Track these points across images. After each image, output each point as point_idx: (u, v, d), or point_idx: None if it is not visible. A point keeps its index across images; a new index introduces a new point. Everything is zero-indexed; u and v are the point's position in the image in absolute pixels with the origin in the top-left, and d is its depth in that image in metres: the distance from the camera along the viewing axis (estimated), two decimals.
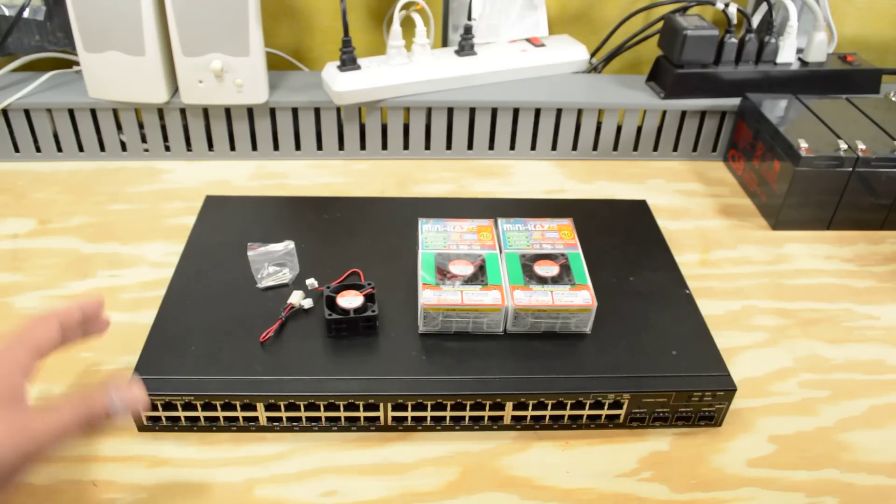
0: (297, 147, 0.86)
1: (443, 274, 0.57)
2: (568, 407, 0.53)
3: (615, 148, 0.88)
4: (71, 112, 0.81)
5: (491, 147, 0.87)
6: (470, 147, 0.87)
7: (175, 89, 0.81)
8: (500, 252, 0.60)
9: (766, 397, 0.57)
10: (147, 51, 0.76)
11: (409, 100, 0.83)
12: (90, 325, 0.49)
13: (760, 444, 0.54)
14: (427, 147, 0.87)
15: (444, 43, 0.92)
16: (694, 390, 0.53)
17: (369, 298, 0.56)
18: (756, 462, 0.52)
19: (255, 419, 0.52)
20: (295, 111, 0.83)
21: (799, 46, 0.87)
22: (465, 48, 0.86)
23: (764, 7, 0.87)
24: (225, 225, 0.68)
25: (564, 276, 0.58)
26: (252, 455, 0.52)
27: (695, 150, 0.89)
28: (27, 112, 0.81)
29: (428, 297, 0.55)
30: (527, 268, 0.59)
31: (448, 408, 0.52)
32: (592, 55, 0.93)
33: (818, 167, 0.73)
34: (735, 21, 0.84)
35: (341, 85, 0.80)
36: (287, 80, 0.86)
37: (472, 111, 0.84)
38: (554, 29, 0.95)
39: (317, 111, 0.83)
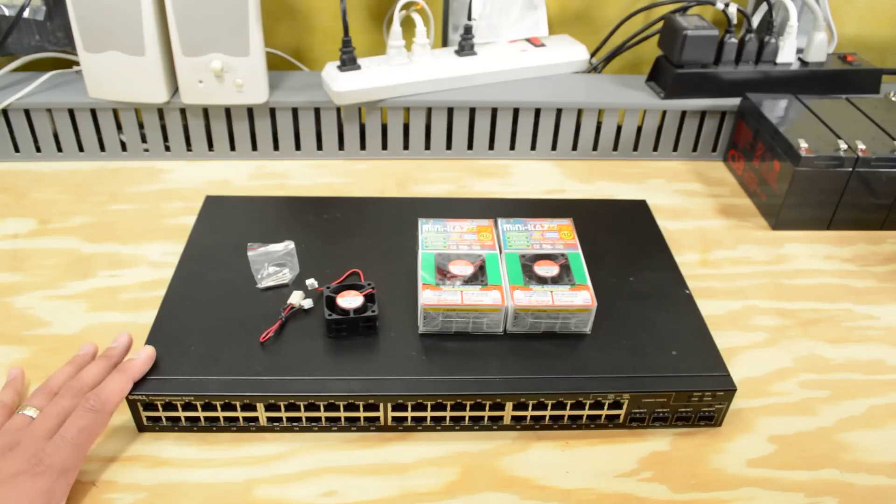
0: (297, 147, 0.86)
1: (443, 274, 0.57)
2: (568, 407, 0.53)
3: (615, 148, 0.88)
4: (71, 112, 0.81)
5: (491, 147, 0.87)
6: (470, 147, 0.87)
7: (175, 89, 0.81)
8: (500, 252, 0.60)
9: (766, 397, 0.57)
10: (147, 51, 0.76)
11: (409, 100, 0.83)
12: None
13: (760, 444, 0.54)
14: (427, 147, 0.87)
15: (444, 43, 0.92)
16: (694, 390, 0.53)
17: (369, 298, 0.56)
18: (756, 462, 0.52)
19: (255, 419, 0.52)
20: (295, 111, 0.83)
21: (799, 46, 0.87)
22: (465, 48, 0.86)
23: (764, 7, 0.87)
24: (225, 225, 0.68)
25: (564, 276, 0.58)
26: (252, 455, 0.52)
27: (695, 150, 0.89)
28: (27, 112, 0.81)
29: (428, 297, 0.55)
30: (527, 268, 0.59)
31: (448, 408, 0.52)
32: (592, 55, 0.93)
33: (818, 167, 0.73)
34: (735, 21, 0.84)
35: (341, 85, 0.80)
36: (287, 80, 0.86)
37: (472, 111, 0.84)
38: (554, 29, 0.95)
39: (317, 111, 0.83)
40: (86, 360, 0.53)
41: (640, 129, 0.87)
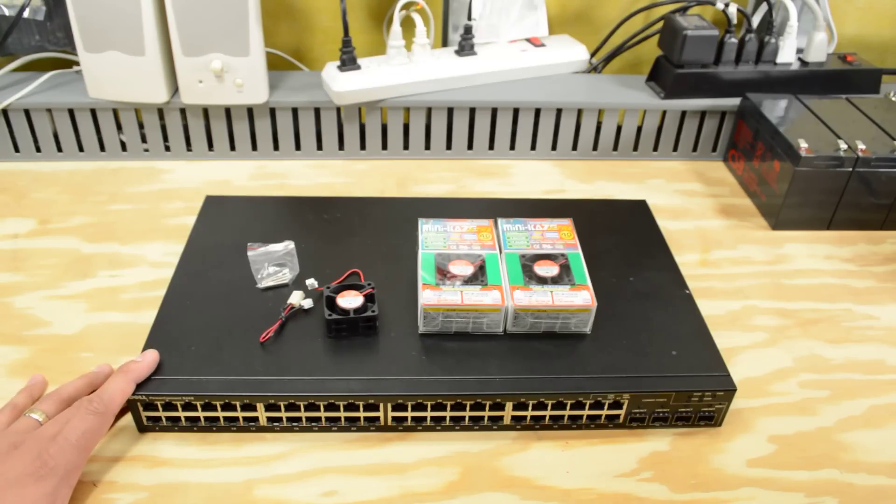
0: (297, 147, 0.86)
1: (443, 274, 0.57)
2: (568, 407, 0.53)
3: (615, 148, 0.88)
4: (71, 112, 0.81)
5: (491, 147, 0.87)
6: (470, 147, 0.87)
7: (175, 89, 0.81)
8: (500, 252, 0.60)
9: (766, 397, 0.57)
10: (147, 51, 0.76)
11: (409, 100, 0.83)
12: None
13: (760, 444, 0.54)
14: (427, 147, 0.87)
15: (444, 43, 0.92)
16: (694, 390, 0.53)
17: (369, 298, 0.56)
18: (756, 462, 0.52)
19: (255, 419, 0.52)
20: (295, 111, 0.83)
21: (799, 46, 0.87)
22: (465, 48, 0.86)
23: (764, 7, 0.87)
24: (225, 225, 0.68)
25: (564, 276, 0.58)
26: (252, 455, 0.52)
27: (695, 150, 0.89)
28: (27, 112, 0.81)
29: (428, 297, 0.55)
30: (527, 268, 0.59)
31: (448, 408, 0.52)
32: (592, 55, 0.93)
33: (818, 167, 0.73)
34: (735, 21, 0.84)
35: (341, 85, 0.80)
36: (287, 80, 0.86)
37: (472, 111, 0.84)
38: (554, 29, 0.95)
39: (317, 111, 0.83)
40: (99, 379, 0.53)
41: (640, 129, 0.87)
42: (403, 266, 0.61)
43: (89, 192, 0.78)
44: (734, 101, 0.85)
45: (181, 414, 0.52)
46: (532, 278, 0.57)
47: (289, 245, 0.63)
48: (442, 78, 0.83)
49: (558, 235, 0.62)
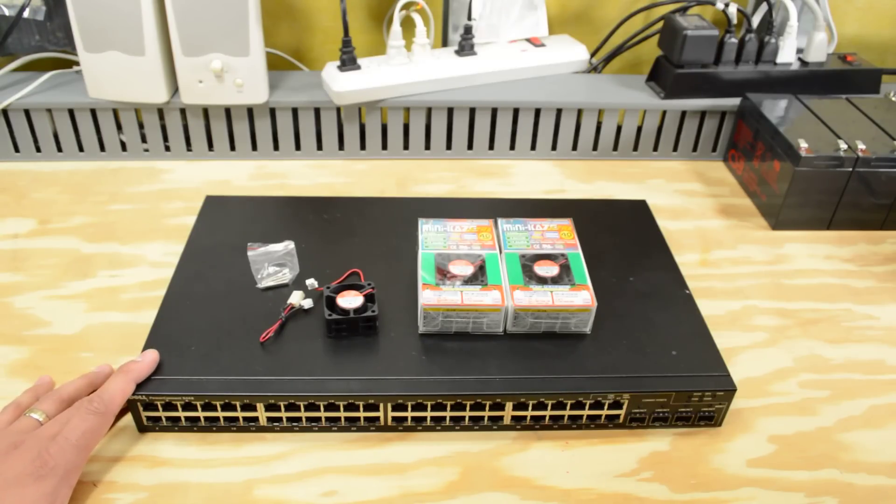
0: (297, 147, 0.86)
1: (443, 274, 0.57)
2: (568, 407, 0.53)
3: (615, 148, 0.88)
4: (71, 112, 0.81)
5: (491, 147, 0.87)
6: (470, 147, 0.87)
7: (175, 89, 0.81)
8: (500, 252, 0.60)
9: (766, 397, 0.57)
10: (147, 51, 0.76)
11: (409, 100, 0.83)
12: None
13: (760, 444, 0.54)
14: (427, 147, 0.87)
15: (444, 43, 0.92)
16: (694, 390, 0.53)
17: (369, 298, 0.56)
18: (756, 462, 0.52)
19: (255, 419, 0.52)
20: (295, 111, 0.83)
21: (799, 46, 0.87)
22: (465, 48, 0.86)
23: (764, 7, 0.87)
24: (225, 225, 0.68)
25: (564, 276, 0.58)
26: (252, 455, 0.52)
27: (695, 150, 0.89)
28: (27, 112, 0.81)
29: (428, 297, 0.55)
30: (527, 268, 0.59)
31: (448, 408, 0.52)
32: (592, 55, 0.93)
33: (818, 167, 0.73)
34: (735, 21, 0.84)
35: (341, 85, 0.80)
36: (287, 80, 0.86)
37: (472, 111, 0.84)
38: (554, 29, 0.95)
39: (317, 111, 0.83)
40: (99, 379, 0.53)
41: (640, 129, 0.87)
42: (403, 266, 0.61)
43: (89, 192, 0.78)
44: (734, 101, 0.85)
45: (181, 414, 0.52)
46: (532, 278, 0.57)
47: (289, 245, 0.63)
48: (442, 78, 0.83)
49: (558, 235, 0.62)
